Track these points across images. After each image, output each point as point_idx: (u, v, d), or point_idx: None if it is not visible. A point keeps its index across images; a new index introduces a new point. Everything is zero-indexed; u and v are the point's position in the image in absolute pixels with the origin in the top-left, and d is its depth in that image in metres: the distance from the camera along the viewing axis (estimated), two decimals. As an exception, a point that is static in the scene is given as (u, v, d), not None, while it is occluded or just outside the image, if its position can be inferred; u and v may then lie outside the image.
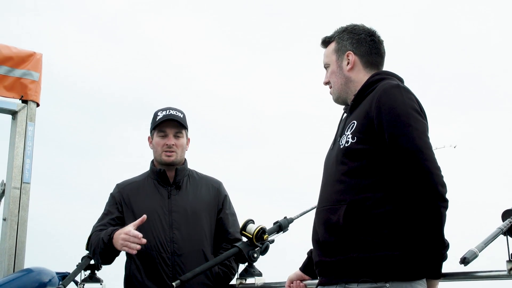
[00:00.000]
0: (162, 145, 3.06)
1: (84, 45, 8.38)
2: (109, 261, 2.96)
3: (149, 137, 3.17)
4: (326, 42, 2.42)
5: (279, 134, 8.92)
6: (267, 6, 8.68)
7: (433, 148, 2.12)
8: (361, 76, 2.29)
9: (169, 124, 3.06)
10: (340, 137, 2.19)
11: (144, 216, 2.79)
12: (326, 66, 2.40)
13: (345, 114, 2.36)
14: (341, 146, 2.14)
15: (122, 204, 3.05)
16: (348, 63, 2.30)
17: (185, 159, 3.16)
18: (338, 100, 2.37)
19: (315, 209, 2.27)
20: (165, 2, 8.88)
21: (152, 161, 3.18)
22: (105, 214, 3.06)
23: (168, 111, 3.10)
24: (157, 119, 3.08)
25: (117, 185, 3.15)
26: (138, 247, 2.68)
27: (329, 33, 2.43)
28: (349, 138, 2.11)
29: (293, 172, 8.44)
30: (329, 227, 2.08)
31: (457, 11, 7.92)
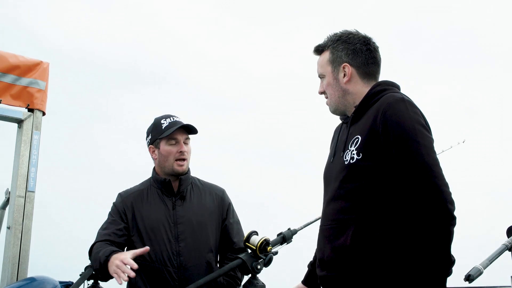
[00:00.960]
0: (174, 153, 3.01)
1: (73, 11, 8.35)
2: (104, 279, 2.94)
3: (150, 147, 3.12)
4: (319, 51, 2.38)
5: (270, 96, 8.90)
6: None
7: (441, 150, 2.12)
8: (359, 87, 2.26)
9: (178, 131, 3.03)
10: (343, 151, 2.17)
11: (147, 247, 2.76)
12: (321, 76, 2.36)
13: (343, 125, 2.34)
14: (346, 162, 2.12)
15: (126, 214, 3.03)
16: (344, 75, 2.27)
17: (188, 168, 3.15)
18: (335, 112, 2.35)
19: (319, 225, 2.26)
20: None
21: (154, 170, 3.15)
22: (110, 222, 3.03)
23: (171, 118, 3.07)
24: (164, 127, 3.03)
25: (119, 194, 3.13)
26: (126, 278, 2.61)
27: (322, 36, 2.38)
28: (354, 154, 2.09)
29: (284, 135, 8.43)
30: (336, 248, 2.07)
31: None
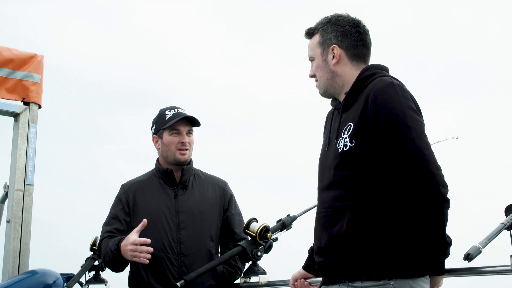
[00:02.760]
0: (176, 143, 3.03)
1: (78, 33, 8.34)
2: (120, 269, 2.95)
3: (154, 137, 3.13)
4: (310, 34, 2.35)
5: (275, 121, 8.89)
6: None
7: (436, 141, 2.11)
8: (348, 69, 2.24)
9: (181, 122, 3.05)
10: (337, 139, 2.16)
11: (145, 220, 2.78)
12: (311, 59, 2.34)
13: (335, 111, 2.31)
14: (339, 150, 2.10)
15: (128, 205, 3.04)
16: (333, 57, 2.24)
17: (190, 158, 3.16)
18: (325, 94, 2.32)
19: (315, 213, 2.25)
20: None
21: (157, 160, 3.17)
22: (112, 218, 3.04)
23: (176, 109, 3.08)
24: (168, 117, 3.06)
25: (122, 185, 3.14)
26: (149, 256, 2.68)
27: (314, 23, 2.35)
28: (347, 141, 2.08)
29: (290, 159, 8.43)
30: (332, 236, 2.07)
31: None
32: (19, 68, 3.70)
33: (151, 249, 2.69)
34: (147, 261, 2.71)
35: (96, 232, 3.16)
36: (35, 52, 3.82)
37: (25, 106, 3.70)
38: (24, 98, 3.69)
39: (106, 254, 2.88)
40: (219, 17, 8.96)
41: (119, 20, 8.75)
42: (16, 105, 3.68)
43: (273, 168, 8.52)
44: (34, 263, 3.54)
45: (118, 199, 3.08)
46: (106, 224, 3.04)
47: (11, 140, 3.71)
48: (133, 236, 2.73)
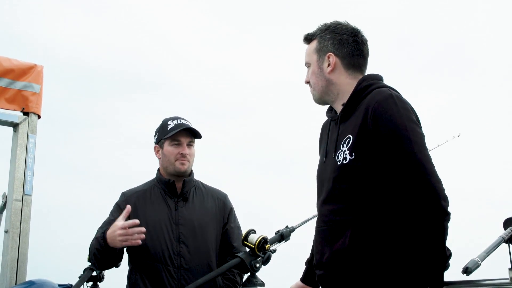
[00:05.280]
0: (176, 154, 3.04)
1: (69, 17, 8.28)
2: (109, 263, 2.91)
3: (155, 147, 3.15)
4: (308, 39, 2.36)
5: (265, 105, 8.84)
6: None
7: (436, 145, 2.10)
8: (343, 78, 2.24)
9: (182, 133, 3.05)
10: (335, 151, 2.15)
11: (129, 207, 2.76)
12: (307, 65, 2.34)
13: (331, 122, 2.31)
14: (339, 163, 2.10)
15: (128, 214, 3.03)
16: (328, 65, 2.24)
17: (191, 170, 3.16)
18: (319, 101, 2.33)
19: (315, 226, 2.25)
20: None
21: (158, 170, 3.17)
22: (108, 223, 3.03)
23: (179, 120, 3.09)
24: (169, 128, 3.07)
25: (123, 193, 3.14)
26: (142, 236, 2.67)
27: (313, 23, 2.36)
28: (346, 154, 2.07)
29: (280, 143, 8.39)
30: (335, 251, 2.06)
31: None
32: (19, 78, 3.71)
33: (143, 229, 2.68)
34: (140, 242, 2.68)
35: (93, 230, 3.14)
36: (35, 63, 3.83)
37: (25, 116, 3.71)
38: (23, 108, 3.70)
39: (94, 248, 2.85)
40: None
41: (107, 4, 8.70)
42: (15, 115, 3.68)
43: (263, 152, 8.48)
44: (32, 274, 3.53)
45: (118, 206, 3.07)
46: (101, 227, 3.02)
47: (10, 150, 3.71)
48: (120, 221, 2.71)
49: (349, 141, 2.09)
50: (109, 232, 2.75)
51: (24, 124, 3.68)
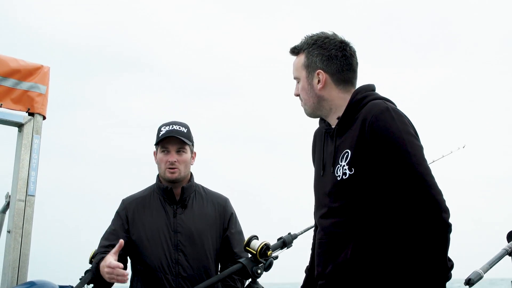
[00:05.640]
0: (165, 161, 3.05)
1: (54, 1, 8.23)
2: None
3: (154, 152, 3.16)
4: (295, 52, 2.33)
5: (252, 82, 8.85)
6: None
7: (440, 156, 2.11)
8: (334, 94, 2.23)
9: (171, 140, 3.04)
10: (333, 165, 2.14)
11: (121, 241, 2.77)
12: (296, 80, 2.32)
13: (325, 133, 2.29)
14: (338, 178, 2.10)
15: (128, 221, 3.04)
16: (319, 82, 2.23)
17: (191, 175, 3.15)
18: (311, 115, 2.32)
19: (316, 238, 2.25)
20: None
21: (158, 176, 3.17)
22: (111, 233, 3.04)
23: (171, 126, 3.08)
24: (160, 134, 3.07)
25: (123, 200, 3.15)
26: (126, 279, 2.71)
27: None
28: (346, 169, 2.07)
29: (267, 120, 8.34)
30: (338, 265, 2.06)
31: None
32: (25, 78, 3.72)
33: (126, 272, 2.71)
34: (126, 281, 2.73)
35: (94, 232, 3.16)
36: (41, 64, 3.84)
37: (30, 117, 3.71)
38: (29, 109, 3.70)
39: (90, 273, 2.94)
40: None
41: None
42: (20, 115, 3.69)
43: (250, 129, 8.45)
44: (33, 275, 3.52)
45: (118, 215, 3.09)
46: (104, 238, 3.03)
47: (15, 150, 3.72)
48: (110, 258, 2.72)
49: (347, 156, 2.09)
50: (101, 265, 2.79)
51: (29, 125, 3.69)
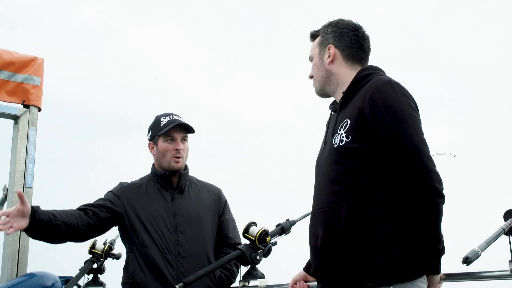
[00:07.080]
0: (171, 150, 3.07)
1: (65, 57, 8.28)
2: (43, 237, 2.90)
3: (150, 143, 3.17)
4: (313, 36, 2.44)
5: (263, 145, 8.85)
6: (248, 13, 8.64)
7: (434, 153, 2.11)
8: (343, 69, 2.30)
9: (175, 129, 3.07)
10: (333, 136, 2.17)
11: (19, 191, 2.68)
12: (311, 59, 2.42)
13: (333, 113, 2.35)
14: (335, 146, 2.12)
15: (121, 201, 3.05)
16: (329, 56, 2.32)
17: (186, 165, 3.18)
18: (320, 92, 2.38)
19: (311, 211, 2.25)
20: (143, 11, 8.78)
21: (153, 165, 3.18)
22: (98, 199, 3.07)
23: (171, 116, 3.12)
24: (162, 124, 3.09)
25: (120, 183, 3.18)
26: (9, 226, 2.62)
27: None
28: (343, 137, 2.10)
29: (279, 183, 8.37)
30: (330, 230, 2.06)
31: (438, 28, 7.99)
32: (20, 71, 3.71)
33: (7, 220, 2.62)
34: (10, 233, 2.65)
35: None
36: (35, 56, 3.83)
37: (25, 109, 3.71)
38: (24, 101, 3.70)
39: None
40: (204, 38, 8.96)
41: (104, 44, 8.72)
42: (16, 107, 3.69)
43: (263, 193, 8.46)
44: (33, 266, 3.53)
45: (112, 193, 3.11)
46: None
47: (11, 142, 3.71)
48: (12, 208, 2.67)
49: (346, 125, 2.12)
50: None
51: (24, 117, 3.68)
